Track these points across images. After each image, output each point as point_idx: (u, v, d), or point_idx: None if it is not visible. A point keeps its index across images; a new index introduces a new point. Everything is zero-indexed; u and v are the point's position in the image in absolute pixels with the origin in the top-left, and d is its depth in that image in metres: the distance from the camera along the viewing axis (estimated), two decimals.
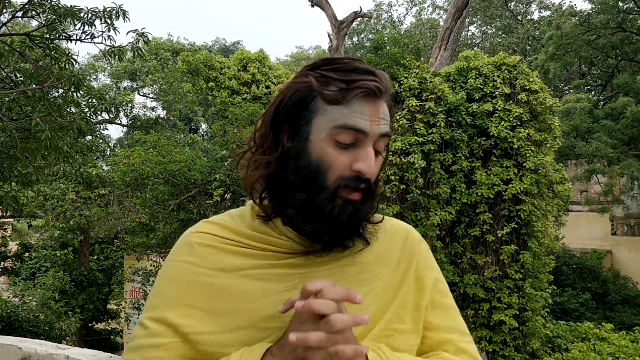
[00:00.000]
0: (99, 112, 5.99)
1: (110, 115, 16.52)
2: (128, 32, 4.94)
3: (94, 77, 18.09)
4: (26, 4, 4.73)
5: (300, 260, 0.90)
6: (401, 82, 7.78)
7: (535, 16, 22.76)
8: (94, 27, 4.72)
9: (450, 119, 7.73)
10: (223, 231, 0.93)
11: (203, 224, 0.95)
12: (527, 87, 7.75)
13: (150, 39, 5.17)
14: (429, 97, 7.68)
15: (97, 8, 4.67)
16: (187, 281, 0.88)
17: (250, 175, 0.91)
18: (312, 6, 12.64)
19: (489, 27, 23.73)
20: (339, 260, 0.91)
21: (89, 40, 4.77)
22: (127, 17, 4.77)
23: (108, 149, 16.13)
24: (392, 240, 0.98)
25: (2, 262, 14.61)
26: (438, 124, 7.51)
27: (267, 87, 10.62)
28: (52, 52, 4.76)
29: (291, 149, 0.88)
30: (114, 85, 17.79)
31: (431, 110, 7.57)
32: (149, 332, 0.86)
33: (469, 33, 23.82)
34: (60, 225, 10.69)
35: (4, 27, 5.32)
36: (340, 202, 0.85)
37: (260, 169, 0.90)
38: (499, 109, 7.67)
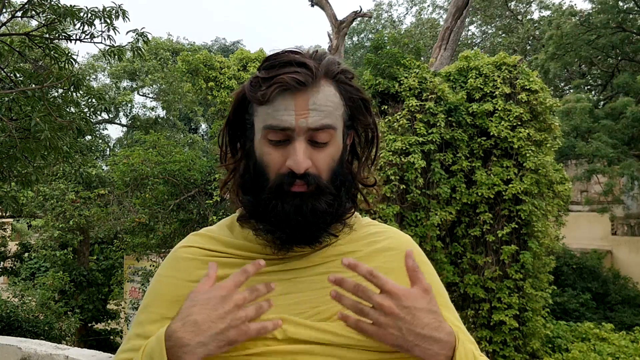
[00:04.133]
0: (98, 112, 5.99)
1: (110, 115, 16.53)
2: (128, 32, 4.93)
3: (94, 77, 18.08)
4: (26, 3, 4.72)
5: (284, 265, 0.89)
6: (401, 81, 7.77)
7: (536, 16, 22.77)
8: (93, 27, 4.71)
9: (450, 118, 7.72)
10: (210, 243, 0.94)
11: (191, 237, 0.97)
12: (528, 87, 7.74)
13: (149, 38, 5.17)
14: (429, 97, 7.67)
15: (96, 8, 4.66)
16: (171, 295, 0.89)
17: (225, 180, 0.96)
18: (312, 6, 12.64)
19: (489, 26, 23.72)
20: (329, 266, 0.90)
21: (89, 40, 4.76)
22: (126, 17, 4.76)
23: (108, 149, 16.12)
24: (390, 252, 0.95)
25: (2, 262, 14.59)
26: (438, 124, 7.50)
27: None
28: (52, 52, 4.75)
29: (245, 152, 0.93)
30: (114, 85, 17.78)
31: (431, 110, 7.56)
32: (129, 347, 0.88)
33: (469, 33, 23.82)
34: (60, 226, 10.68)
35: (4, 27, 5.31)
36: (285, 196, 0.85)
37: (228, 174, 0.95)
38: (499, 108, 7.67)
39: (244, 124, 0.92)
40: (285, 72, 0.84)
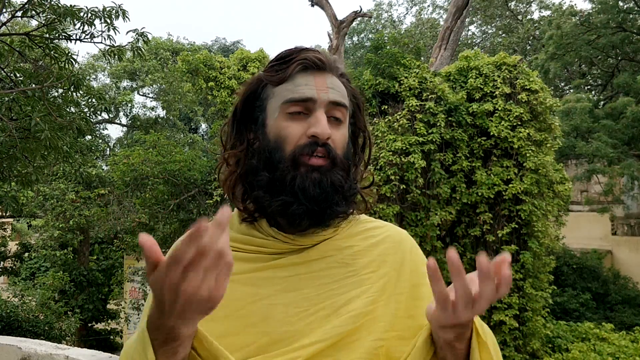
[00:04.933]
0: (98, 112, 6.00)
1: (110, 115, 16.52)
2: (128, 32, 4.93)
3: (94, 76, 18.08)
4: (26, 3, 4.72)
5: (287, 260, 0.89)
6: (401, 81, 7.77)
7: (536, 16, 22.76)
8: (93, 27, 4.72)
9: (450, 118, 7.72)
10: None
11: None
12: (528, 87, 7.74)
13: (149, 38, 5.17)
14: (429, 96, 7.67)
15: (96, 8, 4.67)
16: None
17: (226, 174, 0.94)
18: (312, 5, 12.63)
19: (489, 26, 23.71)
20: (328, 261, 0.90)
21: (89, 40, 4.77)
22: (126, 17, 4.77)
23: (108, 149, 16.12)
24: (385, 245, 0.95)
25: (2, 262, 14.60)
26: (438, 124, 7.50)
27: None
28: (52, 52, 4.76)
29: (254, 139, 0.92)
30: (114, 85, 17.78)
31: (431, 110, 7.56)
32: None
33: (469, 33, 23.81)
34: (60, 225, 10.69)
35: (4, 26, 5.31)
36: (304, 169, 0.85)
37: (232, 166, 0.93)
38: (499, 108, 7.67)
39: (252, 113, 0.94)
40: (305, 54, 0.89)
